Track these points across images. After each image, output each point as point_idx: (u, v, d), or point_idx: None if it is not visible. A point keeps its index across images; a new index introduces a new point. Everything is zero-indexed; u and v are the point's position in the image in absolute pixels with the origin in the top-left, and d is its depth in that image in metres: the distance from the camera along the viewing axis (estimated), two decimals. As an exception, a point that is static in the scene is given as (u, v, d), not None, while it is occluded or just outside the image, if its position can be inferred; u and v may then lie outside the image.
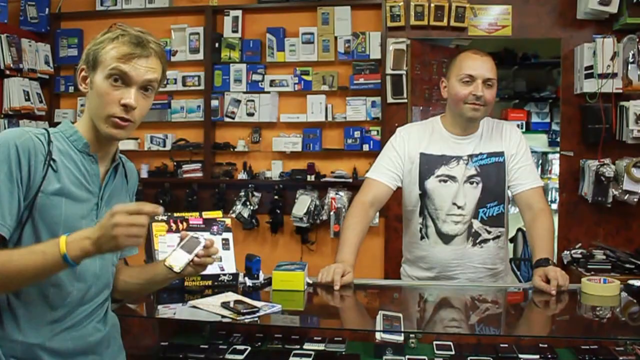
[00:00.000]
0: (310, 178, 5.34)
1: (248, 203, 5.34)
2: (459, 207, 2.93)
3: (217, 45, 5.49)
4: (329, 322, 2.70)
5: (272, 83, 5.43)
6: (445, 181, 2.93)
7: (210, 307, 2.31)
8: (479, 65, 2.83)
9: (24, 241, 1.73)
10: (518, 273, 5.63)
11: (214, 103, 5.48)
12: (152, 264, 2.13)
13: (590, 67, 4.78)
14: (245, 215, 5.28)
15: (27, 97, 5.26)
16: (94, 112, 1.84)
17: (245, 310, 2.22)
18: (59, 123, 1.95)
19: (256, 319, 2.24)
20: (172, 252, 1.91)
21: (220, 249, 2.56)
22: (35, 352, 1.74)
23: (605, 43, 4.71)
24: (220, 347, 2.63)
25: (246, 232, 5.39)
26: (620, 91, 4.78)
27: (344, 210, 5.16)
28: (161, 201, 5.39)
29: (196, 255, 1.88)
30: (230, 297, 2.40)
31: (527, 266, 5.95)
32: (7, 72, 5.09)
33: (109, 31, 1.84)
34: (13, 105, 5.11)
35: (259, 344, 2.68)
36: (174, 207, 5.17)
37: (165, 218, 2.61)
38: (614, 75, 4.74)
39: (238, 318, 2.20)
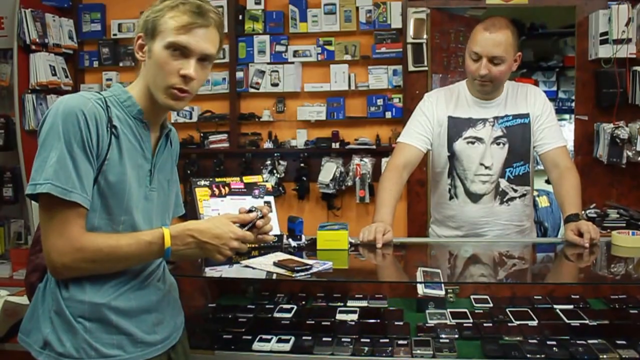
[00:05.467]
0: (335, 145, 5.44)
1: (275, 171, 5.47)
2: (486, 167, 3.01)
3: (240, 17, 5.55)
4: (375, 278, 2.79)
5: (295, 53, 5.51)
6: (472, 143, 3.01)
7: (263, 266, 2.34)
8: (486, 43, 2.83)
9: (91, 206, 1.71)
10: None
11: (239, 75, 5.56)
12: None
13: (606, 33, 4.84)
14: (272, 183, 5.35)
15: (53, 72, 5.24)
16: (152, 82, 1.80)
17: (298, 268, 2.25)
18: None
19: (309, 275, 2.25)
20: None
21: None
22: (102, 312, 1.73)
23: (620, 9, 4.77)
24: (267, 306, 2.71)
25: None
26: (634, 56, 4.85)
27: (368, 175, 5.29)
28: (189, 171, 5.49)
29: (255, 227, 1.84)
30: (280, 256, 2.42)
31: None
32: (33, 47, 5.07)
33: None
34: (40, 80, 5.09)
35: (304, 302, 2.76)
36: (201, 177, 5.24)
37: (207, 183, 2.61)
38: (629, 40, 4.80)
39: (293, 275, 2.22)
